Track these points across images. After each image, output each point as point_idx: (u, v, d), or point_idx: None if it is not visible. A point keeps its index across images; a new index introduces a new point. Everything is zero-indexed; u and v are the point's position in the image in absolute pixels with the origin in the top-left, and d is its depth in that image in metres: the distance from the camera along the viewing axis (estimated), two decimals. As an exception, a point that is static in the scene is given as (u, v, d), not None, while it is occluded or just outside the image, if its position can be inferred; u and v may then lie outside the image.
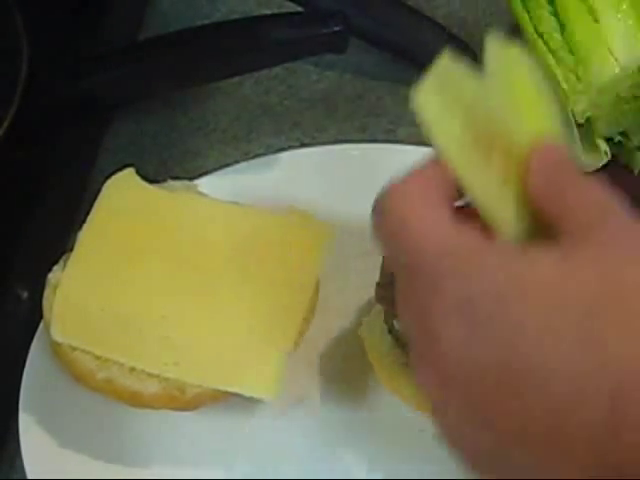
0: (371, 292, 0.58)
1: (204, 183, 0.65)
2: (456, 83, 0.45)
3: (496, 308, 0.37)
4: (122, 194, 0.62)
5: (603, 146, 0.67)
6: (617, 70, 0.62)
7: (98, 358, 0.56)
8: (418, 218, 0.41)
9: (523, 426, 0.37)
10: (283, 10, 0.72)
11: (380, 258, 0.60)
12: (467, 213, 0.42)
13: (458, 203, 0.42)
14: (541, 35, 0.65)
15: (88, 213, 0.61)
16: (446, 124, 0.42)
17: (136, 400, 0.56)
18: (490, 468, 0.39)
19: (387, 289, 0.56)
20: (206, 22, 0.77)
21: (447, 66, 0.46)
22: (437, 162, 0.42)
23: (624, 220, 0.39)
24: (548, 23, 0.65)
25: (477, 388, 0.38)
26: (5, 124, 0.61)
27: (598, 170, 0.67)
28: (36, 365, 0.59)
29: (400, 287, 0.41)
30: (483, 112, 0.42)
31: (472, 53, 0.74)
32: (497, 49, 0.45)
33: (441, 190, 0.41)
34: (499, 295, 0.37)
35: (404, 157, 0.69)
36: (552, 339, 0.36)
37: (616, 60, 0.62)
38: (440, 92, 0.45)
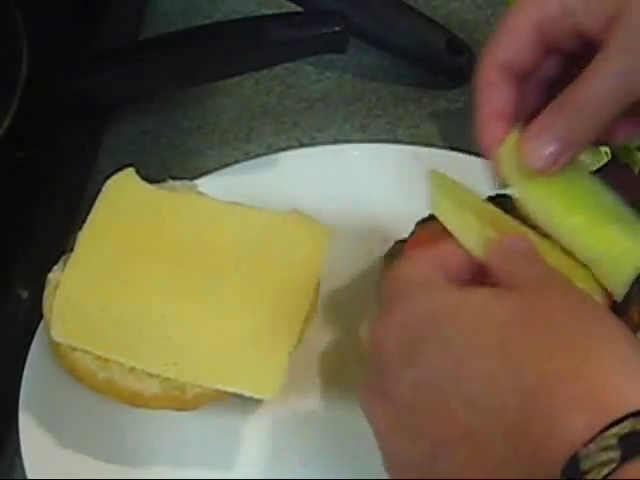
0: (371, 292, 0.58)
1: (204, 183, 0.65)
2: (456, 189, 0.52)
3: (430, 328, 0.43)
4: (122, 194, 0.62)
5: (603, 146, 0.67)
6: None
7: (98, 358, 0.56)
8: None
9: (449, 431, 0.41)
10: (283, 10, 0.72)
11: (380, 259, 0.60)
12: None
13: None
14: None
15: (88, 213, 0.61)
16: (464, 219, 0.49)
17: (136, 400, 0.56)
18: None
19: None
20: (206, 22, 0.77)
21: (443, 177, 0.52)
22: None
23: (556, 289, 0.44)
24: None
25: (408, 400, 0.43)
26: (5, 124, 0.61)
27: (598, 170, 0.67)
28: (36, 365, 0.59)
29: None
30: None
31: (472, 53, 0.74)
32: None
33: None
34: (434, 317, 0.43)
35: (404, 157, 0.69)
36: (474, 353, 0.41)
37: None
38: (448, 197, 0.51)
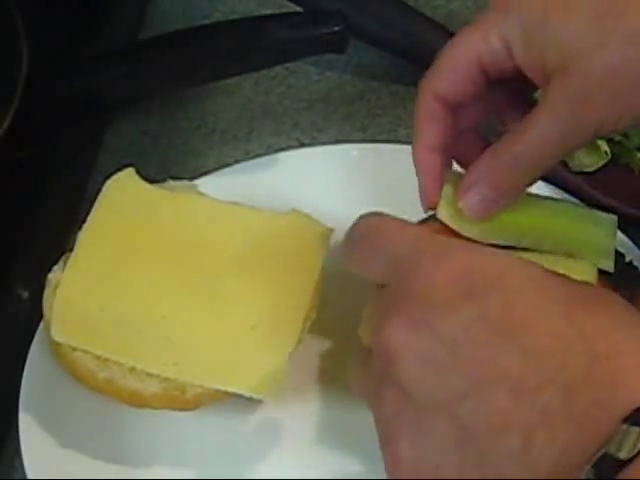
0: (371, 292, 0.58)
1: (204, 183, 0.65)
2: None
3: (495, 278, 0.43)
4: (122, 194, 0.62)
5: (603, 146, 0.67)
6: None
7: (98, 358, 0.56)
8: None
9: (492, 372, 0.40)
10: (283, 10, 0.72)
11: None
12: None
13: None
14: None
15: (88, 213, 0.61)
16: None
17: (136, 400, 0.56)
18: None
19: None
20: (206, 22, 0.77)
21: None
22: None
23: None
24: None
25: (453, 336, 0.42)
26: (5, 124, 0.61)
27: (598, 170, 0.67)
28: (36, 365, 0.59)
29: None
30: None
31: (472, 53, 0.74)
32: None
33: None
34: (500, 270, 0.43)
35: (404, 157, 0.69)
36: (540, 312, 0.42)
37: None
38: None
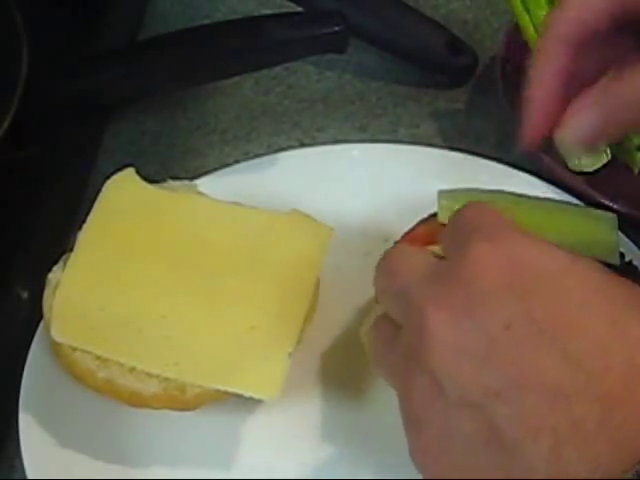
0: (371, 292, 0.57)
1: (204, 183, 0.65)
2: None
3: (544, 273, 0.41)
4: (122, 194, 0.62)
5: (603, 146, 0.67)
6: (617, 70, 0.62)
7: (98, 358, 0.56)
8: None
9: (527, 373, 0.39)
10: (283, 10, 0.72)
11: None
12: None
13: None
14: (541, 35, 0.65)
15: (88, 213, 0.61)
16: None
17: (136, 400, 0.56)
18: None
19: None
20: (206, 22, 0.77)
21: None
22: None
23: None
24: (548, 23, 0.65)
25: (494, 330, 0.40)
26: (5, 124, 0.61)
27: (598, 170, 0.67)
28: (36, 365, 0.59)
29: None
30: None
31: (472, 53, 0.74)
32: None
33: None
34: (549, 265, 0.42)
35: (404, 157, 0.69)
36: (586, 313, 0.40)
37: (616, 59, 0.62)
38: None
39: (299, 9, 0.73)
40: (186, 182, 0.64)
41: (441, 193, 0.57)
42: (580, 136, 0.48)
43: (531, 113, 0.51)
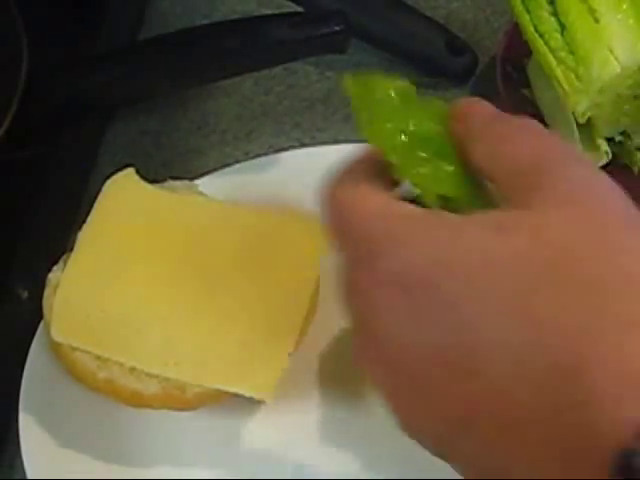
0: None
1: (204, 183, 0.65)
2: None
3: (429, 287, 0.36)
4: (122, 194, 0.62)
5: (604, 146, 0.67)
6: (618, 70, 0.62)
7: (98, 358, 0.56)
8: (361, 199, 0.40)
9: (468, 412, 0.35)
10: (283, 10, 0.72)
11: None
12: None
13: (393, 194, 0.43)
14: (541, 35, 0.65)
15: (88, 213, 0.61)
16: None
17: (136, 400, 0.56)
18: (450, 454, 0.37)
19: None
20: (206, 22, 0.77)
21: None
22: (370, 155, 0.43)
23: (563, 171, 0.37)
24: (548, 23, 0.65)
25: (419, 373, 0.36)
26: (5, 124, 0.61)
27: (598, 170, 0.67)
28: (36, 365, 0.59)
29: (342, 272, 0.41)
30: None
31: (472, 53, 0.74)
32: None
33: (379, 177, 0.42)
34: (430, 273, 0.36)
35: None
36: (486, 321, 0.34)
37: (616, 60, 0.62)
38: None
39: (299, 9, 0.73)
40: (186, 182, 0.64)
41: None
42: None
43: None
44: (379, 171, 0.42)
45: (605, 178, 0.38)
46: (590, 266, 0.34)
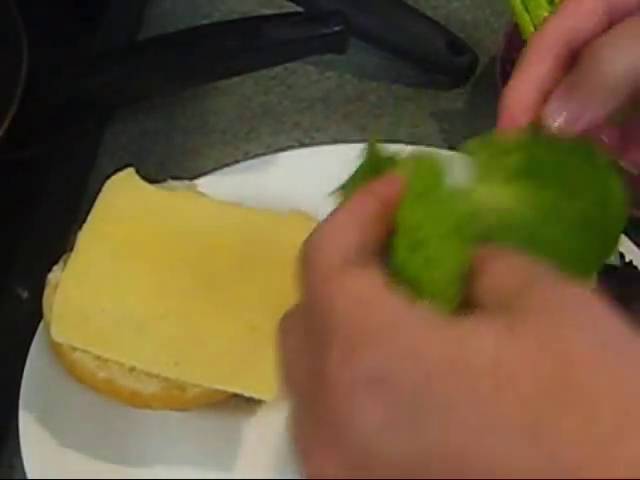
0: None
1: (204, 183, 0.65)
2: None
3: (420, 391, 0.32)
4: (122, 194, 0.62)
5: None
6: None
7: (98, 358, 0.56)
8: (345, 277, 0.35)
9: None
10: (283, 10, 0.72)
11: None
12: None
13: None
14: (541, 35, 0.65)
15: (88, 213, 0.61)
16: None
17: (136, 400, 0.56)
18: None
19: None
20: (206, 22, 0.77)
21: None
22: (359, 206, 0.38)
23: (552, 283, 0.34)
24: (548, 23, 0.65)
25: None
26: (5, 124, 0.61)
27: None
28: (36, 365, 0.59)
29: (294, 343, 0.37)
30: None
31: (472, 53, 0.74)
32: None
33: (368, 234, 0.37)
34: (421, 376, 0.32)
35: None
36: (491, 434, 0.31)
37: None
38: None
39: (299, 9, 0.73)
40: (186, 182, 0.64)
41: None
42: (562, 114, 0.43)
43: (501, 120, 0.45)
44: (368, 226, 0.37)
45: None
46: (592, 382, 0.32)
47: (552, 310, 0.33)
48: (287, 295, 0.58)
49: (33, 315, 0.60)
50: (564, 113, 0.43)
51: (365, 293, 0.34)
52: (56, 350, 0.57)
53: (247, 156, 0.71)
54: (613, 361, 0.32)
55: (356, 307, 0.34)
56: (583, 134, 0.43)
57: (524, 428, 0.31)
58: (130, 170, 0.63)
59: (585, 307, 0.33)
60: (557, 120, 0.43)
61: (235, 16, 0.78)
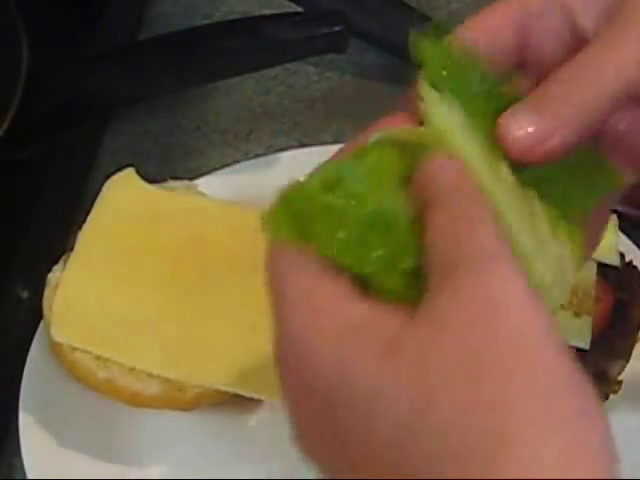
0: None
1: (204, 183, 0.65)
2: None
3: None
4: (122, 194, 0.62)
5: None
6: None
7: (98, 358, 0.56)
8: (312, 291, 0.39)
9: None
10: (283, 10, 0.72)
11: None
12: None
13: None
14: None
15: (88, 213, 0.61)
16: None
17: (136, 400, 0.56)
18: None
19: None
20: (206, 22, 0.77)
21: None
22: None
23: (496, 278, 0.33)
24: (548, 23, 0.65)
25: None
26: (5, 124, 0.61)
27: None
28: (36, 365, 0.59)
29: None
30: None
31: (472, 53, 0.74)
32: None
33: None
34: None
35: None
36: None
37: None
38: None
39: (299, 9, 0.73)
40: (186, 182, 0.64)
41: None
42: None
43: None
44: None
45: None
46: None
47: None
48: (287, 295, 0.58)
49: (33, 315, 0.60)
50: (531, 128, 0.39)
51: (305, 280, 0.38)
52: (56, 350, 0.57)
53: (247, 156, 0.71)
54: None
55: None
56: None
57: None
58: (130, 170, 0.63)
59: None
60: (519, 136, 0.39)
61: (235, 16, 0.78)
